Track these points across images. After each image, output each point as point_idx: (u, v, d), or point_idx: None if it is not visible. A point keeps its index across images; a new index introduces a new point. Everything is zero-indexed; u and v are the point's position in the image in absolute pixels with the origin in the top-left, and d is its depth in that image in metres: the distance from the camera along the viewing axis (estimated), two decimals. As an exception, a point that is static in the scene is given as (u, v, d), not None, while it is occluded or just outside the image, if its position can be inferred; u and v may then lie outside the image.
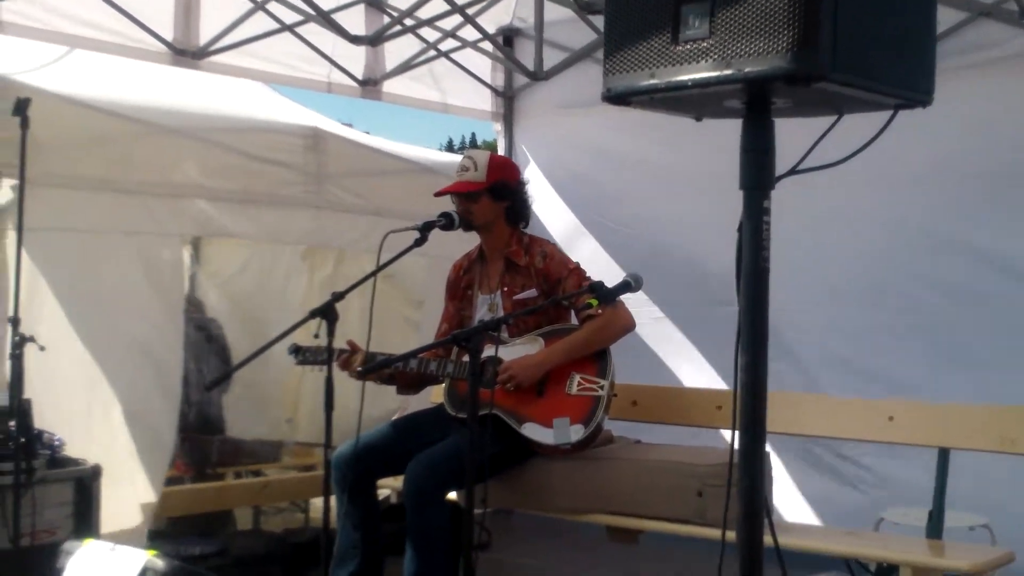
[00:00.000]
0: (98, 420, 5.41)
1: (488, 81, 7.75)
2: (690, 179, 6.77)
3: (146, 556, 3.32)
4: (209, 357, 7.31)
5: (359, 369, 4.61)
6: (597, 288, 3.95)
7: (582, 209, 7.25)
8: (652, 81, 2.36)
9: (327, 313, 4.23)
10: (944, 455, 4.35)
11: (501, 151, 7.76)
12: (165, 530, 6.18)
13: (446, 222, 4.71)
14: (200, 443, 7.10)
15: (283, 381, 7.61)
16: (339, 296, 4.27)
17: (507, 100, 7.84)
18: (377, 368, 4.31)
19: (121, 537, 5.00)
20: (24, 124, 4.39)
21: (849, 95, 2.32)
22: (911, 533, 4.56)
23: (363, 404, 4.53)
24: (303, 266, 7.61)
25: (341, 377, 6.31)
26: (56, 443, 4.95)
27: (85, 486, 4.88)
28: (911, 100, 2.43)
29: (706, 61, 2.27)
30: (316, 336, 4.30)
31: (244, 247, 7.48)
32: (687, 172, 6.75)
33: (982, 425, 4.31)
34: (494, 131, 7.97)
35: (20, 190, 4.47)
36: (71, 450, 4.99)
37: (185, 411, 6.98)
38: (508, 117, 7.84)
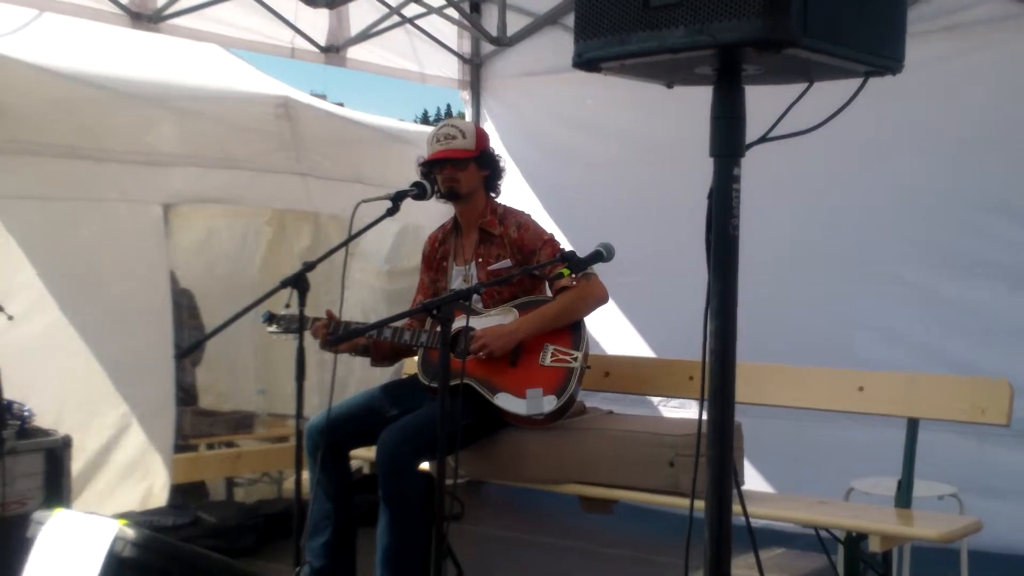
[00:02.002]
0: (75, 390, 5.39)
1: (455, 48, 7.71)
2: (658, 147, 6.79)
3: (117, 525, 3.30)
4: (183, 328, 7.28)
5: (329, 339, 4.59)
6: (569, 258, 3.94)
7: (548, 177, 7.24)
8: (623, 47, 2.34)
9: (298, 282, 4.22)
10: (913, 425, 4.35)
11: (468, 119, 7.74)
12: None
13: (418, 191, 4.70)
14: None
15: (256, 351, 7.61)
16: (310, 266, 4.27)
17: (474, 68, 7.82)
18: (348, 338, 4.30)
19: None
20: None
21: (819, 62, 2.32)
22: (881, 503, 4.57)
23: (335, 374, 4.52)
24: (275, 234, 7.59)
25: (314, 347, 6.35)
26: (26, 413, 4.92)
27: (56, 456, 4.87)
28: (881, 67, 2.43)
29: (677, 27, 2.26)
30: (287, 306, 4.30)
31: (213, 216, 7.46)
32: (655, 140, 6.76)
33: (952, 395, 4.31)
34: (460, 99, 7.94)
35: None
36: (43, 421, 4.97)
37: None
38: (475, 85, 7.83)
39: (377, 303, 7.22)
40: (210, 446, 7.26)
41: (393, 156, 6.70)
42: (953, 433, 4.79)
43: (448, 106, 43.25)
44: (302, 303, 4.22)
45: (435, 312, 3.52)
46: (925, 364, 5.33)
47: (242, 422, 7.43)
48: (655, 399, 6.08)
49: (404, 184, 4.72)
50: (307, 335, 4.37)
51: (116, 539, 3.29)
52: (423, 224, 6.21)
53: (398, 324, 4.66)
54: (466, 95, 7.85)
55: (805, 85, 2.55)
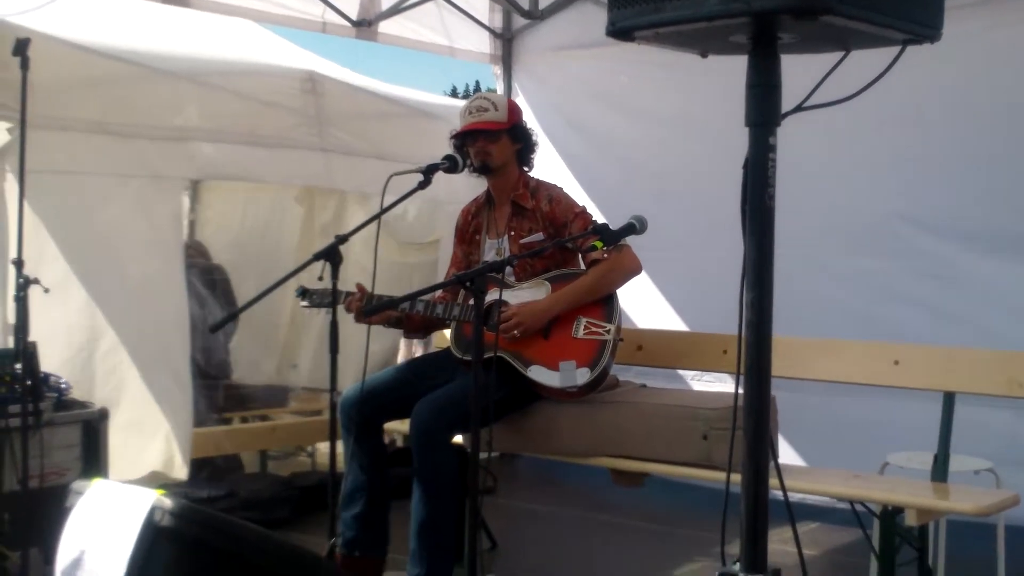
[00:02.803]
0: (100, 364, 5.42)
1: (486, 22, 7.67)
2: (691, 120, 6.75)
3: (155, 495, 3.31)
4: (214, 303, 7.32)
5: (365, 309, 4.60)
6: (601, 230, 3.91)
7: (580, 151, 7.21)
8: (657, 15, 2.32)
9: (331, 255, 4.22)
10: (949, 399, 4.33)
11: (499, 93, 7.71)
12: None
13: (450, 164, 4.68)
14: (206, 388, 7.12)
15: (289, 326, 7.65)
16: (343, 239, 4.26)
17: (505, 42, 7.77)
18: (380, 309, 4.31)
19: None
20: (24, 65, 4.35)
21: (856, 29, 2.28)
22: (916, 477, 4.55)
23: (368, 347, 4.53)
24: (301, 210, 7.61)
25: (346, 321, 6.36)
26: (63, 386, 4.96)
27: (93, 428, 4.90)
28: (919, 35, 2.39)
29: (713, -5, 2.24)
30: (320, 279, 4.30)
31: (244, 191, 7.48)
32: (688, 114, 6.72)
33: (989, 369, 4.28)
34: (492, 74, 7.90)
35: (21, 132, 4.44)
36: (76, 393, 5.01)
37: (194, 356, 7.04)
38: (507, 59, 7.77)
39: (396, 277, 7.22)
40: (244, 420, 7.31)
41: (420, 131, 6.69)
42: (988, 407, 4.74)
43: (477, 82, 43.05)
44: (335, 276, 4.22)
45: (469, 284, 3.51)
46: (962, 338, 5.26)
47: (276, 396, 7.48)
48: (688, 373, 6.05)
49: (430, 159, 4.70)
50: (340, 309, 4.36)
51: (154, 508, 3.30)
52: (441, 199, 6.20)
53: (430, 297, 4.66)
54: (497, 70, 7.80)
55: (841, 54, 2.53)
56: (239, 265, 7.63)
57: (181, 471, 5.74)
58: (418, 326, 4.96)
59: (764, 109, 2.41)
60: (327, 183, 6.68)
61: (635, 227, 3.97)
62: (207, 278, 7.32)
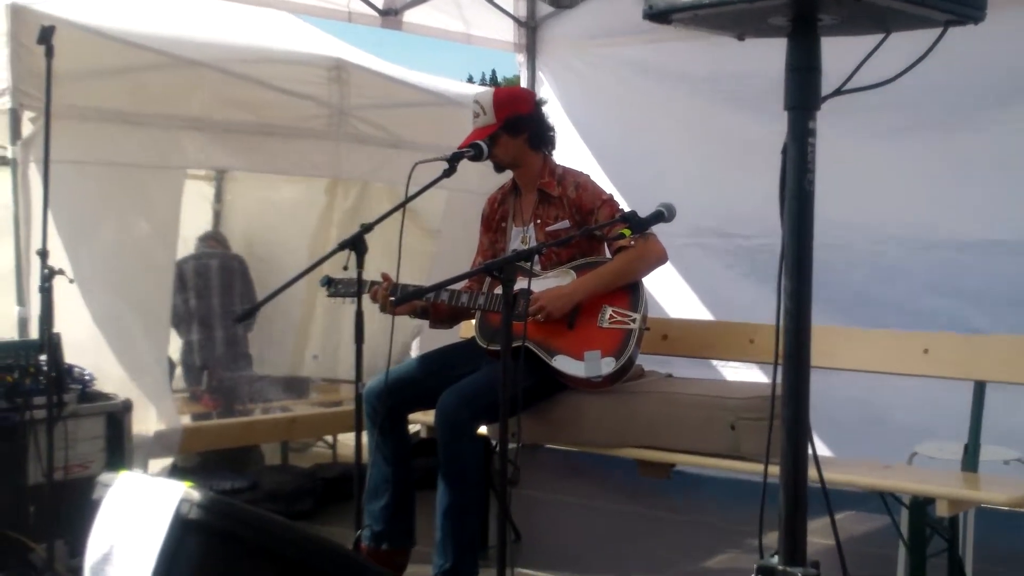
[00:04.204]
0: (105, 355, 5.39)
1: (510, 11, 7.63)
2: (718, 112, 6.70)
3: (183, 488, 3.28)
4: (234, 293, 7.32)
5: (391, 300, 4.56)
6: (630, 218, 3.87)
7: (607, 140, 7.16)
8: (697, -3, 2.28)
9: (356, 245, 4.19)
10: (980, 388, 4.29)
11: (524, 83, 7.67)
12: (194, 466, 6.22)
13: (475, 153, 4.64)
14: (227, 379, 7.12)
15: (309, 317, 7.62)
16: (368, 227, 4.23)
17: (530, 31, 7.71)
18: (408, 299, 4.28)
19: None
20: (49, 53, 4.32)
21: (898, 9, 2.23)
22: (945, 467, 4.51)
23: (392, 337, 4.50)
24: (325, 199, 7.58)
25: (369, 311, 6.33)
26: (87, 377, 4.94)
27: (117, 420, 4.89)
28: (962, 16, 2.34)
29: (753, -25, 2.19)
30: (345, 268, 4.27)
31: (267, 182, 7.43)
32: (716, 104, 6.68)
33: (1020, 357, 4.23)
34: (516, 63, 7.85)
35: (46, 122, 4.41)
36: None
37: (209, 347, 7.02)
38: (531, 48, 7.72)
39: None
40: (265, 411, 7.29)
41: (441, 119, 6.64)
42: (1017, 395, 4.68)
43: (493, 71, 42.88)
44: (360, 265, 4.19)
45: (497, 273, 3.47)
46: (993, 327, 5.21)
47: (296, 387, 7.46)
48: (715, 363, 6.00)
49: (450, 148, 4.67)
50: (365, 298, 4.33)
51: (182, 501, 3.26)
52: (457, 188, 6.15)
53: (456, 287, 4.63)
54: (521, 58, 7.75)
55: (879, 37, 2.48)
56: (260, 256, 7.62)
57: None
58: (444, 316, 4.93)
59: (804, 92, 2.37)
60: (339, 172, 6.62)
61: (663, 215, 3.94)
62: (225, 268, 7.31)
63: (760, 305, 5.96)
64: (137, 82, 5.44)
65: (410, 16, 7.09)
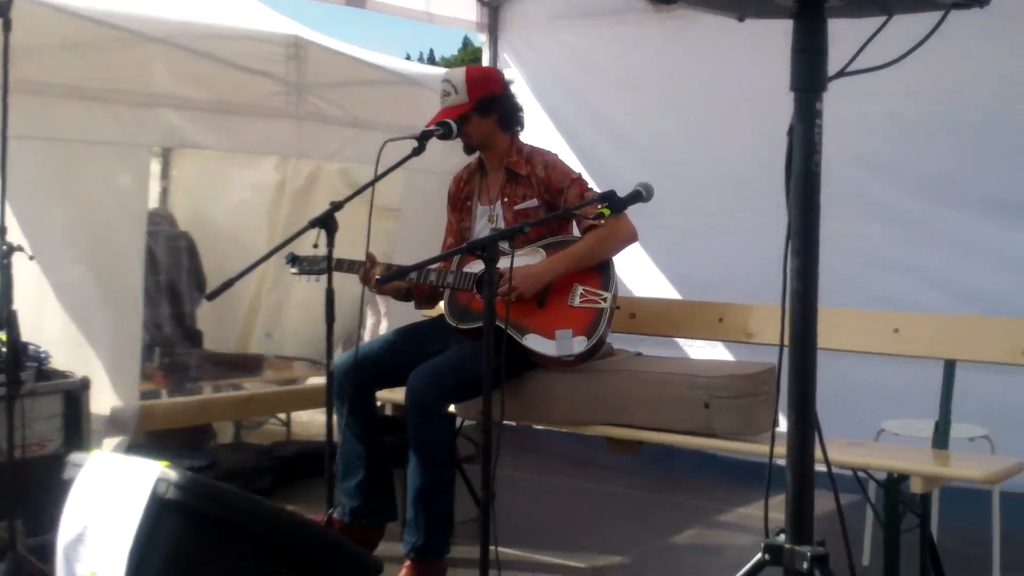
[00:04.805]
0: (58, 332, 5.29)
1: (473, -12, 7.58)
2: (683, 92, 6.70)
3: (160, 468, 3.24)
4: (181, 270, 7.23)
5: (378, 278, 4.53)
6: (610, 197, 3.86)
7: (571, 126, 7.14)
8: (706, -24, 2.27)
9: (327, 222, 4.15)
10: (950, 366, 4.33)
11: (485, 63, 7.60)
12: (145, 444, 6.12)
13: (444, 131, 4.60)
14: (179, 357, 7.03)
15: (263, 294, 7.55)
16: (338, 205, 4.19)
17: (492, 10, 7.64)
18: (393, 279, 4.23)
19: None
20: (7, 27, 4.19)
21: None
22: (911, 444, 4.56)
23: (362, 315, 4.46)
24: (275, 178, 7.50)
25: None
26: (42, 355, 4.85)
27: (74, 398, 4.79)
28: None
29: (765, -45, 2.18)
30: (315, 246, 4.23)
31: (216, 159, 7.34)
32: (681, 86, 6.68)
33: (990, 336, 4.28)
34: (479, 42, 7.79)
35: (3, 97, 4.28)
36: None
37: (158, 324, 6.92)
38: (493, 28, 7.65)
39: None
40: (216, 389, 7.22)
41: (401, 99, 6.59)
42: (979, 373, 4.74)
43: (431, 50, 42.70)
44: (330, 243, 4.15)
45: (480, 252, 3.44)
46: (962, 306, 5.27)
47: (250, 365, 7.38)
48: (679, 341, 6.01)
49: (410, 128, 4.62)
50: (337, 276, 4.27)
51: (159, 481, 3.23)
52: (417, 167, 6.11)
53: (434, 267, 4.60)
54: (484, 37, 7.67)
55: (876, 21, 2.48)
56: (209, 233, 7.52)
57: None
58: (426, 295, 4.91)
59: (811, 74, 2.38)
60: (300, 152, 6.54)
61: (641, 194, 3.93)
62: (172, 245, 7.22)
63: (729, 284, 6.05)
64: (95, 58, 5.32)
65: (372, -7, 7.04)
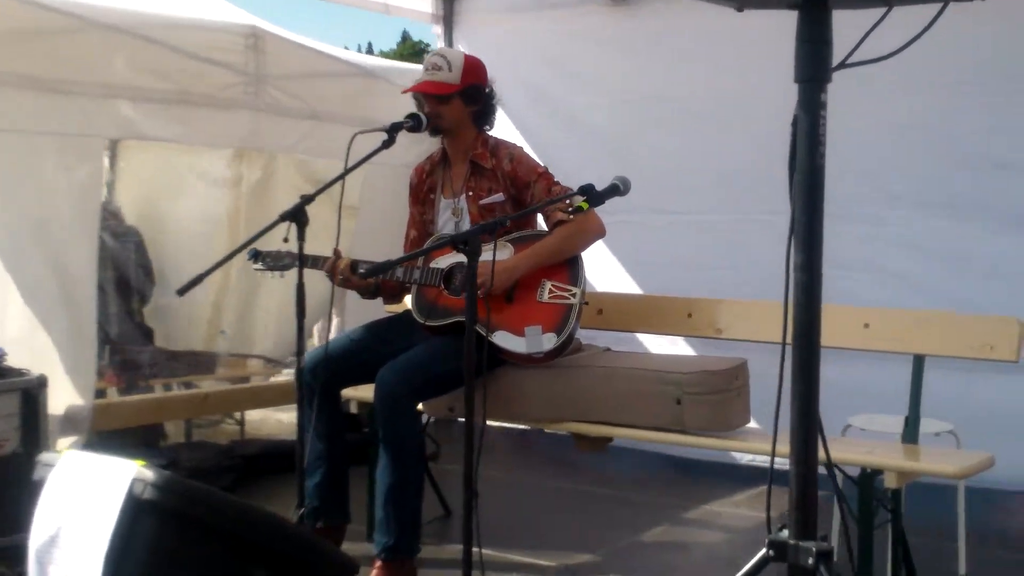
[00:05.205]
0: (10, 328, 5.19)
1: (427, -22, 7.53)
2: (642, 85, 6.70)
3: (135, 467, 3.16)
4: (130, 266, 7.12)
5: (362, 272, 4.47)
6: (588, 190, 3.82)
7: (527, 119, 7.10)
8: (714, -36, 2.24)
9: (297, 216, 4.09)
10: (919, 361, 4.35)
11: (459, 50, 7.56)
12: (96, 443, 6.00)
13: (414, 123, 4.56)
14: (130, 355, 6.92)
15: (216, 292, 7.44)
16: (309, 199, 4.14)
17: (447, 2, 7.61)
18: (378, 272, 4.17)
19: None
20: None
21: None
22: (878, 439, 4.57)
23: (331, 312, 4.40)
24: (228, 172, 7.40)
25: (277, 286, 6.18)
26: (-1, 353, 4.75)
27: (32, 396, 4.68)
28: (968, -10, 2.35)
29: (777, -57, 2.16)
30: (285, 240, 4.16)
31: (166, 151, 7.22)
32: (639, 79, 6.67)
33: (960, 332, 4.30)
34: (433, 33, 7.75)
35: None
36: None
37: (107, 321, 6.80)
38: (448, 19, 7.61)
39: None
40: (167, 387, 7.11)
41: (359, 91, 6.53)
42: (940, 369, 4.76)
43: (369, 44, 42.47)
44: (301, 237, 4.09)
45: (462, 246, 3.39)
46: (926, 304, 5.30)
47: (202, 362, 7.28)
48: (639, 336, 6.00)
49: (367, 121, 4.55)
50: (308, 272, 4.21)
51: (135, 481, 3.15)
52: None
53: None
54: (438, 29, 7.63)
55: (876, 13, 2.48)
56: (157, 228, 7.41)
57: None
58: (394, 291, 4.85)
59: (815, 64, 2.36)
60: (257, 143, 6.47)
61: (619, 188, 3.90)
62: (120, 240, 7.10)
63: (692, 281, 6.04)
64: (50, 47, 5.21)
65: (326, -18, 6.96)
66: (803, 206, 2.35)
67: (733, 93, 6.33)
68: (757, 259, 6.17)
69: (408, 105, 4.78)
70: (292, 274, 4.31)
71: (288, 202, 6.33)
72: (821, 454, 3.89)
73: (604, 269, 6.40)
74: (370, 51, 47.78)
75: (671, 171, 6.42)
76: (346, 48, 8.50)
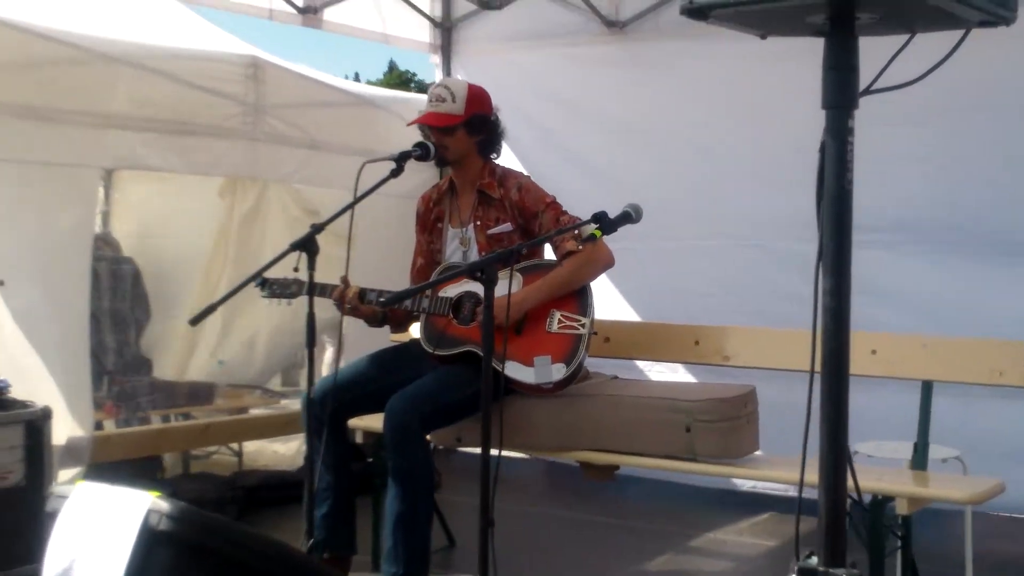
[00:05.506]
0: (10, 360, 5.17)
1: (427, 12, 7.56)
2: (637, 117, 6.73)
3: (150, 498, 3.13)
4: (125, 297, 7.11)
5: (383, 300, 4.46)
6: (601, 218, 3.81)
7: (525, 148, 7.12)
8: (744, -8, 2.25)
9: (307, 245, 4.08)
10: (928, 387, 4.35)
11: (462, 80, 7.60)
12: (93, 475, 5.97)
13: (422, 152, 4.56)
14: (129, 386, 6.90)
15: (214, 322, 7.42)
16: (319, 228, 4.13)
17: (445, 31, 7.66)
18: (397, 301, 4.18)
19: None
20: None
21: (936, 7, 2.23)
22: (885, 466, 4.57)
23: (340, 342, 4.39)
24: (220, 200, 7.40)
25: (279, 315, 6.15)
26: (1, 385, 4.72)
27: (36, 428, 4.67)
28: (995, 16, 2.36)
29: (804, -30, 2.18)
30: (296, 269, 4.16)
31: (160, 181, 7.23)
32: (634, 110, 6.71)
33: (968, 357, 4.31)
34: (431, 63, 7.78)
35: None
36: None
37: (104, 352, 6.78)
38: (446, 49, 7.66)
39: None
40: (164, 418, 7.08)
41: (357, 121, 6.55)
42: (943, 395, 4.77)
43: (356, 73, 42.46)
44: (311, 266, 4.08)
45: (479, 275, 3.39)
46: (934, 329, 5.31)
47: (201, 393, 7.26)
48: (640, 364, 6.01)
49: (365, 151, 4.56)
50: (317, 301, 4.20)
51: (151, 512, 3.12)
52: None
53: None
54: (436, 59, 7.68)
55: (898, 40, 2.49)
56: (151, 258, 7.41)
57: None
58: (401, 320, 4.84)
59: (842, 91, 2.35)
60: (254, 172, 6.47)
61: (631, 216, 3.90)
62: (116, 270, 7.10)
63: (689, 308, 6.06)
64: (49, 77, 5.22)
65: (330, 15, 7.01)
66: (831, 232, 2.35)
67: (731, 121, 6.37)
68: (750, 285, 6.24)
69: (408, 134, 4.80)
70: (297, 303, 4.31)
71: (279, 230, 6.35)
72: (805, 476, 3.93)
73: (601, 296, 6.41)
74: (357, 80, 47.87)
75: (664, 199, 6.43)
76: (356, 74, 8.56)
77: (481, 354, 4.37)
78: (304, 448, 6.87)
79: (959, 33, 2.42)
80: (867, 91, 2.43)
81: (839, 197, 2.34)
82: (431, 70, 7.79)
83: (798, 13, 2.31)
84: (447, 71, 7.60)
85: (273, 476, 6.39)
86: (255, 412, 7.34)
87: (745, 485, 5.97)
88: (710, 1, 2.31)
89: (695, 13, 2.34)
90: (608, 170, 6.76)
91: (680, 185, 6.49)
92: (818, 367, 4.33)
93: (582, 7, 6.92)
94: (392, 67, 46.91)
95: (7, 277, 5.04)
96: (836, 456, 2.36)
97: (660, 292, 6.46)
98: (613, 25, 6.88)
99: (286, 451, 7.16)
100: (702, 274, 6.41)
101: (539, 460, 5.13)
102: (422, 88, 32.34)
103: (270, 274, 4.53)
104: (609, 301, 6.44)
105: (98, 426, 6.48)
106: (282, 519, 5.61)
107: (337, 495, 4.65)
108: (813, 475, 4.00)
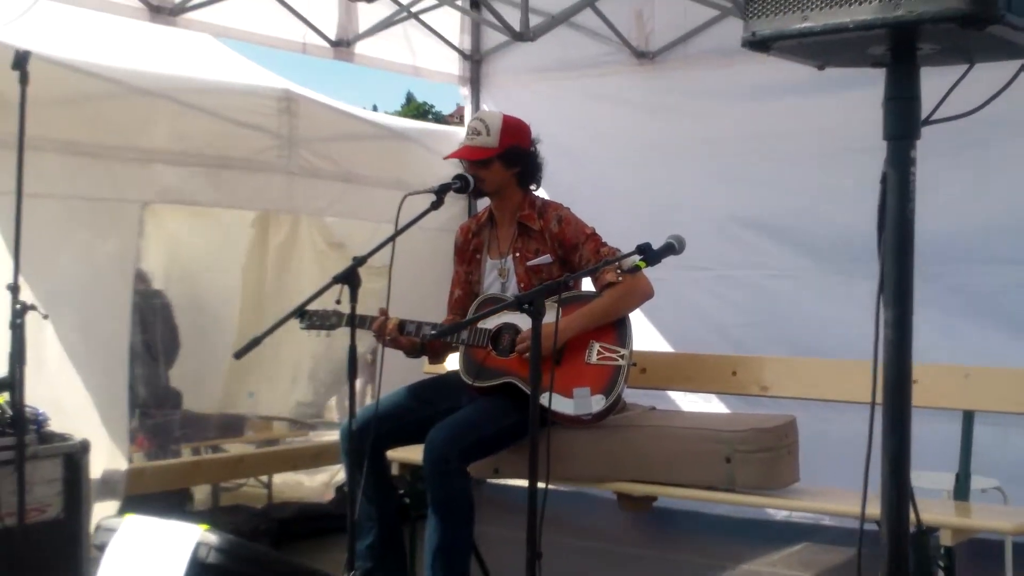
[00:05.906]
0: (50, 392, 5.18)
1: (456, 44, 7.61)
2: (666, 147, 6.75)
3: (199, 531, 3.16)
4: (157, 329, 7.12)
5: (433, 333, 4.48)
6: (645, 249, 3.82)
7: (554, 178, 7.10)
8: (806, 24, 2.26)
9: (350, 278, 4.08)
10: (969, 417, 4.34)
11: (467, 116, 7.63)
12: (124, 508, 5.97)
13: (461, 184, 4.57)
14: (159, 418, 6.91)
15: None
16: (361, 260, 4.12)
17: (474, 64, 7.71)
18: (446, 334, 4.20)
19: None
20: (24, 80, 4.10)
21: (999, 38, 2.24)
22: (926, 496, 4.54)
23: (380, 374, 4.38)
24: (253, 233, 7.42)
25: (306, 343, 6.15)
26: (40, 417, 4.72)
27: (74, 461, 4.66)
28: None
29: (868, 2, 2.18)
30: (338, 302, 4.16)
31: (192, 215, 7.25)
32: (669, 144, 6.72)
33: (1009, 387, 4.30)
34: (460, 95, 7.84)
35: (19, 152, 4.17)
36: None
37: (136, 385, 6.78)
38: (475, 81, 7.71)
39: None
40: (195, 451, 7.09)
41: (390, 153, 6.59)
42: (984, 425, 4.75)
43: (375, 105, 42.73)
44: (353, 299, 4.08)
45: (527, 306, 3.39)
46: (975, 359, 5.29)
47: (232, 425, 7.26)
48: (672, 394, 5.99)
49: (397, 182, 4.58)
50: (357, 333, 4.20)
51: (200, 545, 3.15)
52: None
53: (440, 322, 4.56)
54: (465, 91, 7.74)
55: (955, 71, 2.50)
56: (181, 291, 7.42)
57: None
58: (439, 351, 4.84)
59: (904, 121, 2.37)
60: (289, 206, 6.50)
61: (674, 247, 3.90)
62: (147, 304, 7.11)
63: (721, 338, 6.05)
64: (91, 113, 5.27)
65: (361, 48, 7.04)
66: (893, 262, 2.35)
67: (762, 151, 6.37)
68: (785, 314, 6.23)
69: (440, 166, 4.82)
70: (332, 335, 4.30)
71: (309, 263, 6.34)
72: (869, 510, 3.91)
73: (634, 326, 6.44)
74: (375, 111, 48.13)
75: (697, 230, 6.43)
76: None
77: (520, 385, 4.43)
78: (334, 480, 6.97)
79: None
80: (927, 121, 2.44)
81: (901, 227, 2.35)
82: (449, 102, 7.89)
83: (859, 44, 2.32)
84: (476, 103, 7.65)
85: (306, 508, 6.39)
86: (286, 444, 7.32)
87: (779, 515, 5.94)
88: (772, 33, 2.32)
89: (757, 45, 2.36)
90: (640, 200, 6.76)
91: (713, 215, 6.48)
92: (841, 396, 4.38)
93: (612, 38, 6.95)
94: (410, 98, 47.17)
95: (50, 311, 5.06)
96: (899, 490, 2.36)
97: (692, 322, 6.45)
98: (643, 56, 6.90)
99: (312, 483, 7.15)
100: (735, 305, 6.41)
101: (573, 491, 5.09)
102: (440, 119, 32.53)
103: (310, 306, 4.54)
104: (641, 331, 6.46)
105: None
106: (315, 550, 5.59)
107: (382, 525, 4.65)
108: (853, 505, 4.03)
